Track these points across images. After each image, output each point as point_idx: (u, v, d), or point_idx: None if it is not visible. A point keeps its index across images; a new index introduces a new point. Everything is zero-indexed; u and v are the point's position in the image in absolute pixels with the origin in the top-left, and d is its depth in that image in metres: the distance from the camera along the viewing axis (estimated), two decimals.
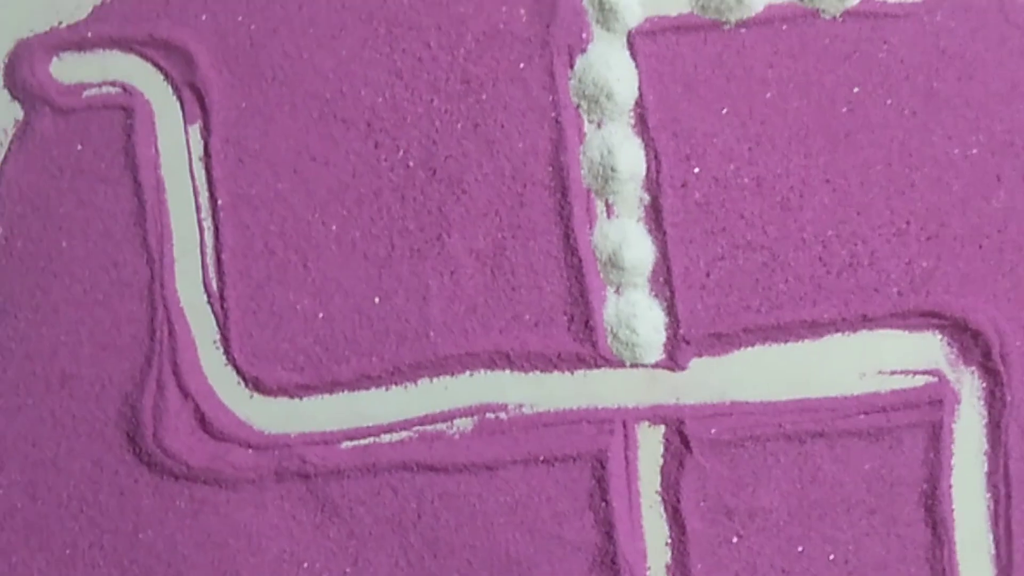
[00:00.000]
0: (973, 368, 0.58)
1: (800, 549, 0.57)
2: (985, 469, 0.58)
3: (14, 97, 0.58)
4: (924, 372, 0.58)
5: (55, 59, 0.59)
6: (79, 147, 0.58)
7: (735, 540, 0.58)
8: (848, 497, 0.57)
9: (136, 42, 0.58)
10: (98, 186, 0.58)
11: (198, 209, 0.58)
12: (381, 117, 0.58)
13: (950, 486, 0.57)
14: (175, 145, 0.58)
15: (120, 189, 0.58)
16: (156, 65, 0.58)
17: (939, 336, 0.58)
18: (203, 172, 0.58)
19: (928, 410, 0.57)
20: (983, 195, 0.57)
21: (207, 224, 0.58)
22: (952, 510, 0.57)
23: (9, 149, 0.58)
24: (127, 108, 0.58)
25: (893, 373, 0.58)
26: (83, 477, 0.58)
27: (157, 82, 0.59)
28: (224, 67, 0.58)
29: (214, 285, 0.58)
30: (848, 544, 0.57)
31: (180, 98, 0.58)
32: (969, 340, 0.57)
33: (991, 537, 0.57)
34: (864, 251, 0.57)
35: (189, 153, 0.58)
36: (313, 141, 0.58)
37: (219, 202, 0.58)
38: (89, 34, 0.58)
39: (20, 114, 0.58)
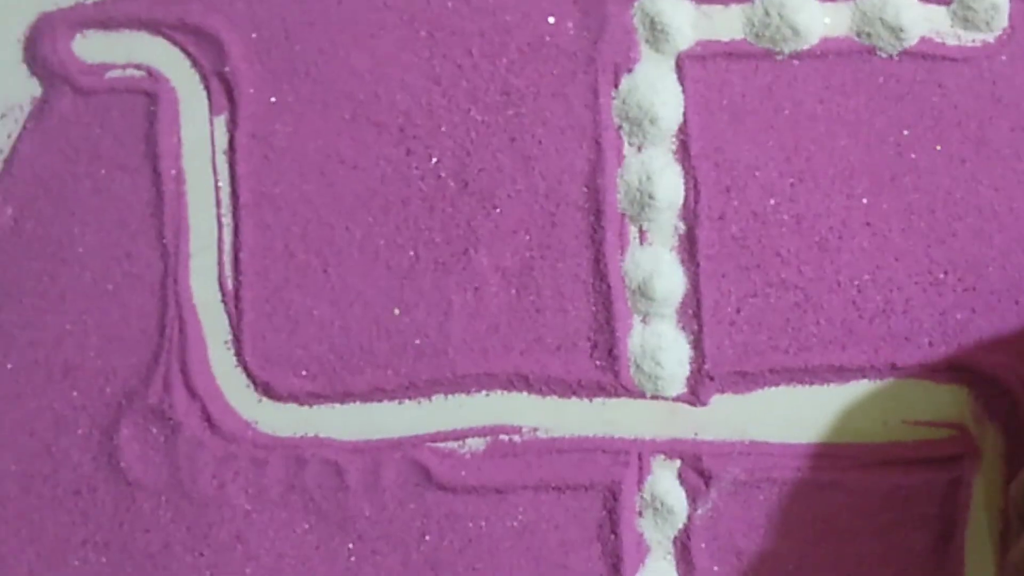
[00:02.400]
0: (997, 424, 0.57)
1: None
2: (1000, 527, 0.57)
3: (33, 73, 0.57)
4: (948, 424, 0.57)
5: (78, 36, 0.56)
6: (98, 130, 0.56)
7: None
8: (860, 547, 0.57)
9: (165, 25, 0.56)
10: (116, 173, 0.56)
11: (218, 204, 0.57)
12: (415, 123, 0.56)
13: (963, 541, 0.57)
14: (199, 136, 0.57)
15: (138, 178, 0.57)
16: (185, 51, 0.56)
17: (966, 389, 0.57)
18: (226, 166, 0.57)
19: (949, 464, 0.57)
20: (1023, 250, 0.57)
21: (227, 221, 0.57)
22: (963, 566, 0.57)
23: (24, 127, 0.56)
24: (151, 93, 0.56)
25: (917, 424, 0.57)
26: (80, 471, 0.57)
27: (184, 69, 0.57)
28: (256, 59, 0.56)
29: (229, 284, 0.57)
30: None
31: (207, 87, 0.57)
32: (996, 396, 0.57)
33: None
34: (899, 298, 0.56)
35: (213, 146, 0.57)
36: (343, 143, 0.56)
37: (241, 199, 0.56)
38: (116, 12, 0.56)
39: (38, 91, 0.57)
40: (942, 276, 0.56)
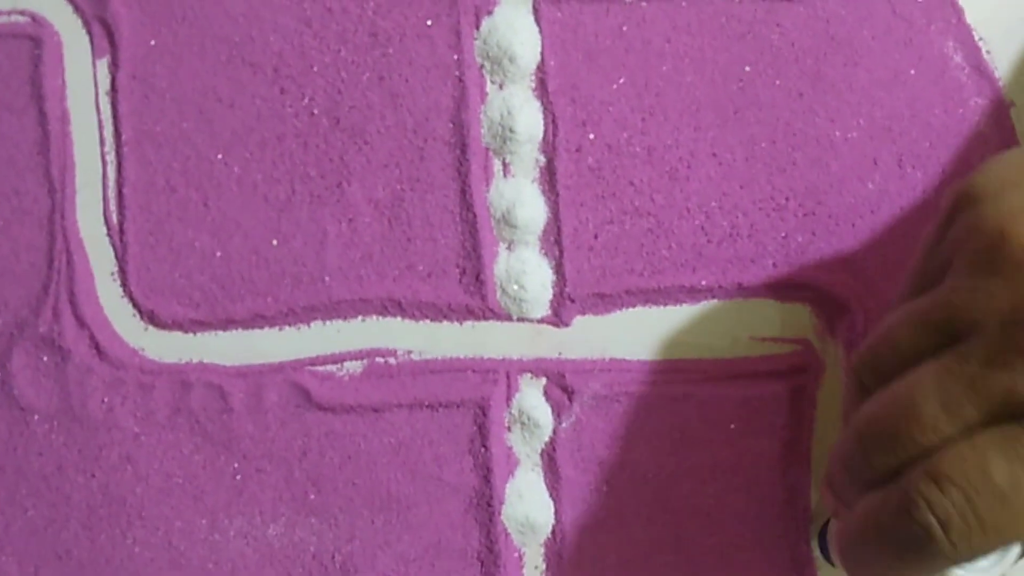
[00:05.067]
0: (839, 339, 0.61)
1: (665, 501, 0.61)
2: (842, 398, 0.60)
3: None
4: (792, 340, 0.61)
5: None
6: None
7: (605, 489, 0.61)
8: (714, 455, 0.60)
9: None
10: (3, 114, 0.58)
11: (102, 143, 0.59)
12: (288, 64, 0.59)
13: (808, 448, 0.61)
14: (82, 78, 0.59)
15: (25, 119, 0.59)
16: None
17: (809, 308, 0.61)
18: (109, 106, 0.59)
19: (794, 376, 0.61)
20: (859, 177, 0.60)
21: (110, 158, 0.59)
22: (808, 472, 0.61)
23: None
24: (35, 38, 0.58)
25: (763, 339, 0.61)
26: None
27: (67, 14, 0.59)
28: (135, 4, 0.58)
29: (114, 218, 0.59)
30: (710, 498, 0.61)
31: (89, 32, 0.59)
32: (836, 312, 0.61)
33: None
34: (744, 223, 0.60)
35: (96, 87, 0.59)
36: (220, 83, 0.59)
37: (123, 137, 0.59)
38: None
39: None
40: (784, 202, 0.60)
